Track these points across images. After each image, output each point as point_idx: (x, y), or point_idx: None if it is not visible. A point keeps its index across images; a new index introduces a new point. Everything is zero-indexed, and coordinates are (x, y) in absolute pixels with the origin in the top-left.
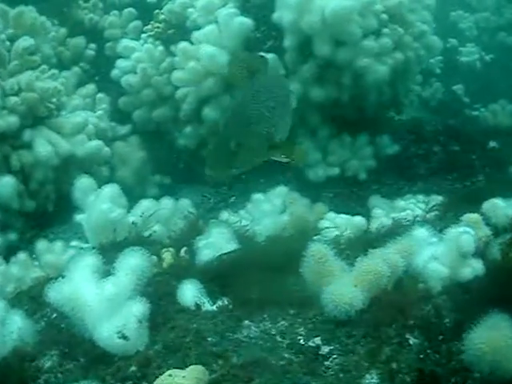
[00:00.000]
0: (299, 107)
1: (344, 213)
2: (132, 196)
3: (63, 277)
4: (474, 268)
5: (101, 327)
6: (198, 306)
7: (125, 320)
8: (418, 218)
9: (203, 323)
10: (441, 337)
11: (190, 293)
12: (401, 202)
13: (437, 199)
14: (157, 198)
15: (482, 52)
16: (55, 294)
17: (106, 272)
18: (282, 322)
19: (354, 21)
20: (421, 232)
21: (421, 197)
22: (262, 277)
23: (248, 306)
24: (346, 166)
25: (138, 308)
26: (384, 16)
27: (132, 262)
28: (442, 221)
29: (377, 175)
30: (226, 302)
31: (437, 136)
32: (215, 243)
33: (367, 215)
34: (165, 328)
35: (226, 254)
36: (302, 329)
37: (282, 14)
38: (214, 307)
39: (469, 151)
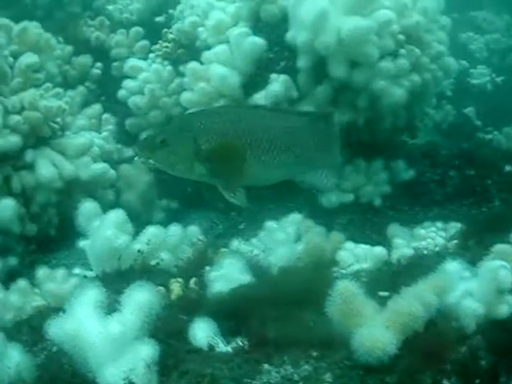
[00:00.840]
0: None
1: (359, 241)
2: (138, 221)
3: (64, 311)
4: (510, 305)
5: (105, 370)
6: (211, 347)
7: (132, 364)
8: (438, 248)
9: (218, 367)
10: (478, 381)
11: (202, 332)
12: (421, 231)
13: (456, 226)
14: (163, 222)
15: (492, 74)
16: (56, 329)
17: (111, 305)
18: (305, 367)
19: (371, 41)
20: (453, 266)
21: (440, 224)
22: (279, 312)
23: (265, 347)
24: (361, 192)
25: (147, 351)
26: (401, 36)
27: (139, 298)
28: (464, 250)
29: (391, 201)
30: (242, 343)
31: (452, 160)
32: (227, 275)
33: (384, 244)
34: (176, 372)
35: (239, 287)
36: (328, 375)
37: (296, 34)
38: (229, 348)
39: (484, 176)
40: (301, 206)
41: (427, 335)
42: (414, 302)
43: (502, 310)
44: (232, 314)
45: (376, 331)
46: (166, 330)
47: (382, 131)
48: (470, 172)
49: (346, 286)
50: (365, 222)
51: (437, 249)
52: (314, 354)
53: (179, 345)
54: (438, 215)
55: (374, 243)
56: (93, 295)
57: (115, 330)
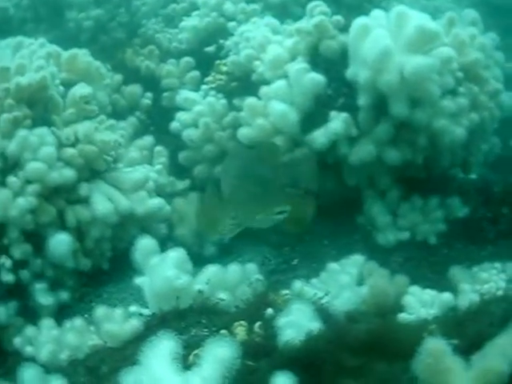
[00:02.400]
0: (369, 168)
1: (416, 279)
2: (189, 254)
3: (139, 362)
4: None
5: None
6: None
7: None
8: (501, 291)
9: None
10: None
11: None
12: (483, 274)
13: None
14: (215, 257)
15: None
16: (132, 382)
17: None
18: None
19: (432, 80)
20: None
21: (498, 265)
22: (353, 363)
23: None
24: (417, 230)
25: None
26: (460, 74)
27: (219, 353)
28: None
29: (446, 239)
30: None
31: (505, 197)
32: (297, 322)
33: (442, 283)
34: None
35: (311, 335)
36: None
37: (357, 71)
38: None
39: None
40: (356, 243)
41: None
42: (499, 358)
43: None
44: (306, 364)
45: None
46: (243, 382)
47: (438, 168)
48: None
49: (435, 344)
50: (420, 260)
51: (499, 292)
52: None
53: None
54: (491, 253)
55: (431, 282)
56: (169, 346)
57: None
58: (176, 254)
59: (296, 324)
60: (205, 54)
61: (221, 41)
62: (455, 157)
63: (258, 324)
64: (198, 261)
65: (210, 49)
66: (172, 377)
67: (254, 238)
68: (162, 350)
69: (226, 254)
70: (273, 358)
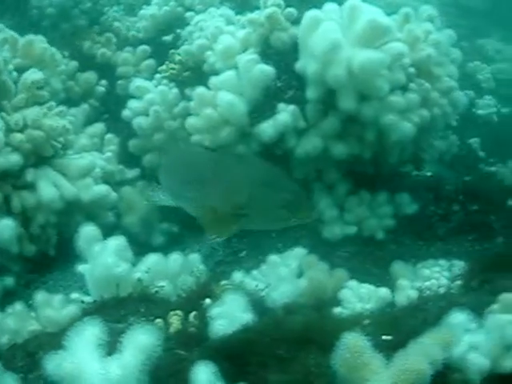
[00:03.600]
0: (317, 162)
1: (360, 274)
2: (137, 244)
3: (64, 347)
4: None
5: None
6: None
7: None
8: (442, 289)
9: None
10: None
11: (204, 376)
12: (425, 271)
13: (459, 265)
14: (163, 246)
15: (499, 105)
16: (55, 366)
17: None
18: None
19: (381, 75)
20: (459, 318)
21: (443, 262)
22: (282, 355)
23: None
24: (364, 225)
25: None
26: (411, 70)
27: (141, 341)
28: (468, 291)
29: (394, 235)
30: None
31: (456, 194)
32: (229, 313)
33: (386, 280)
34: None
35: (241, 327)
36: None
37: (306, 64)
38: None
39: (488, 211)
40: (303, 237)
41: None
42: (421, 358)
43: (507, 365)
44: (234, 355)
45: None
46: (167, 369)
47: (387, 164)
48: (473, 207)
49: (354, 340)
50: (366, 255)
51: (441, 290)
52: None
53: None
54: (440, 251)
55: (374, 278)
56: (94, 332)
57: (115, 373)
58: (116, 242)
59: (229, 315)
60: (162, 43)
61: (178, 30)
62: (405, 153)
63: (193, 314)
64: (146, 250)
65: (168, 38)
66: (92, 363)
67: (203, 228)
68: (87, 336)
69: (174, 243)
70: (202, 348)
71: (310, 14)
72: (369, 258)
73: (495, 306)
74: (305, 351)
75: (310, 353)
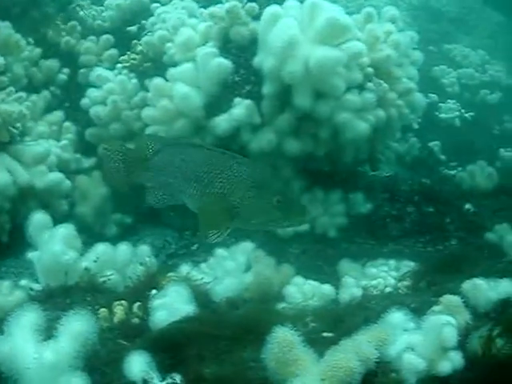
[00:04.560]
0: (270, 157)
1: (311, 272)
2: (90, 233)
3: (2, 331)
4: (453, 361)
5: None
6: (145, 382)
7: None
8: (389, 288)
9: None
10: None
11: (137, 365)
12: (372, 270)
13: (409, 265)
14: (116, 237)
15: (462, 109)
16: None
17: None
18: None
19: (338, 73)
20: (397, 317)
21: (392, 262)
22: (220, 349)
23: None
24: (316, 223)
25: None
26: (370, 69)
27: (76, 328)
28: (415, 292)
29: (347, 233)
30: (177, 379)
31: (412, 196)
32: (171, 304)
33: (335, 278)
34: None
35: (181, 318)
36: None
37: (264, 59)
38: None
39: (443, 213)
40: (256, 232)
41: None
42: (351, 355)
43: (444, 367)
44: (171, 347)
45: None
46: (104, 357)
47: (342, 163)
48: (428, 209)
49: (283, 334)
50: (318, 252)
51: (387, 289)
52: None
53: (114, 374)
54: (392, 251)
55: (325, 275)
56: (32, 318)
57: (49, 358)
58: (65, 230)
59: (170, 306)
60: (127, 34)
61: (143, 21)
62: (360, 152)
63: (137, 305)
64: (99, 240)
65: (133, 28)
66: (27, 347)
67: (157, 220)
68: (25, 322)
69: (128, 235)
70: (141, 339)
71: (270, 10)
72: (320, 255)
73: (437, 307)
74: (242, 345)
75: (247, 347)
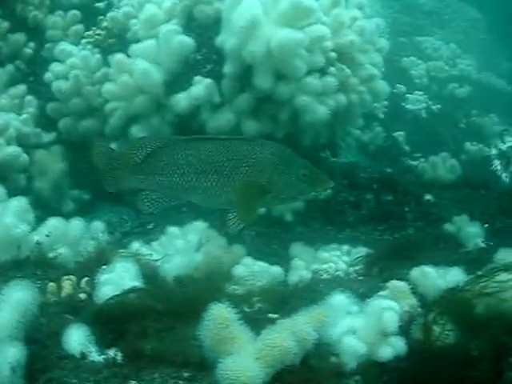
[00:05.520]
0: None
1: (265, 254)
2: (48, 209)
3: None
4: (394, 347)
5: None
6: (83, 355)
7: None
8: (340, 272)
9: (84, 378)
10: None
11: (76, 339)
12: (324, 254)
13: (363, 251)
14: (74, 213)
15: (429, 101)
16: None
17: None
18: None
19: (299, 55)
20: (339, 299)
21: (346, 247)
22: (162, 325)
23: (138, 362)
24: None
25: (14, 353)
26: (333, 54)
27: (16, 297)
28: (365, 277)
29: (303, 218)
30: (116, 354)
31: (371, 183)
32: (117, 279)
33: (287, 260)
34: (42, 379)
35: (125, 294)
36: None
37: (226, 39)
38: (101, 358)
39: (402, 202)
40: (214, 213)
41: (300, 370)
42: (287, 336)
43: (385, 353)
44: (113, 321)
45: (242, 363)
46: (47, 330)
47: (301, 146)
48: (387, 197)
49: (219, 311)
50: (273, 235)
51: (338, 273)
52: (186, 374)
53: (54, 348)
54: (348, 237)
55: (278, 258)
56: None
57: None
58: (17, 203)
59: (116, 282)
60: (95, 9)
61: None
62: (319, 137)
63: (85, 280)
64: (56, 215)
65: (101, 4)
66: None
67: (115, 198)
68: None
69: (85, 211)
70: (84, 313)
71: None
72: (275, 238)
73: (383, 292)
74: (186, 323)
75: (190, 324)
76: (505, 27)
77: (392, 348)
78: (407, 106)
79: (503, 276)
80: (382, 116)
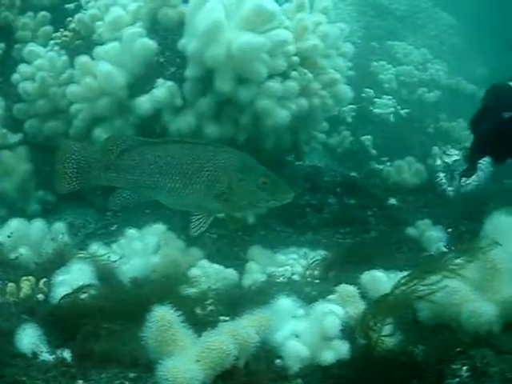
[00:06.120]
0: None
1: (225, 257)
2: (12, 209)
3: None
4: (337, 351)
5: None
6: (35, 355)
7: None
8: (296, 276)
9: (34, 377)
10: None
11: (27, 338)
12: (281, 257)
13: (321, 254)
14: (38, 214)
15: (397, 106)
16: None
17: None
18: None
19: (261, 59)
20: (285, 303)
21: (305, 251)
22: (115, 326)
23: (88, 361)
24: None
25: None
26: (295, 58)
27: None
28: (321, 281)
29: (266, 221)
30: (66, 354)
31: (334, 187)
32: (73, 281)
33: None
34: None
35: (75, 293)
36: None
37: (188, 42)
38: (51, 358)
39: (365, 206)
40: (176, 215)
41: (241, 373)
42: (227, 339)
43: (327, 356)
44: (65, 322)
45: (182, 364)
46: (1, 330)
47: (265, 150)
48: (350, 201)
49: (161, 314)
50: (235, 238)
51: (294, 276)
52: (132, 375)
53: (7, 346)
54: (310, 240)
55: (238, 261)
56: None
57: None
58: None
59: (72, 282)
60: (65, 11)
61: None
62: (282, 140)
63: (43, 280)
64: (21, 216)
65: (70, 6)
66: None
67: (80, 200)
68: None
69: (50, 212)
70: (39, 313)
71: None
72: (237, 241)
73: (332, 296)
74: (136, 324)
75: (141, 326)
76: (479, 32)
77: (334, 352)
78: (375, 111)
79: (431, 279)
80: (349, 120)
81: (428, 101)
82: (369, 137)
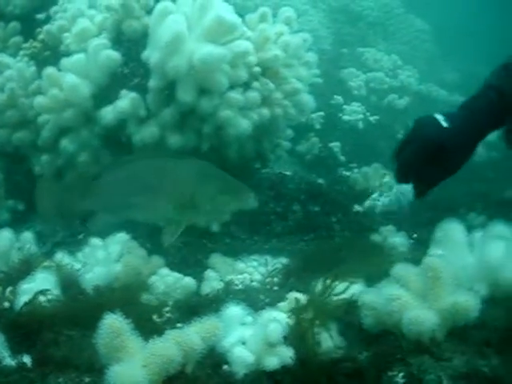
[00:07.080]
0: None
1: (187, 265)
2: None
3: None
4: (281, 357)
5: None
6: None
7: None
8: (255, 283)
9: None
10: None
11: None
12: (241, 265)
13: (283, 261)
14: (8, 223)
15: (367, 112)
16: None
17: None
18: None
19: (222, 70)
20: (234, 311)
21: (266, 258)
22: (75, 333)
23: (47, 366)
24: None
25: None
26: (257, 69)
27: None
28: (279, 288)
29: (230, 228)
30: (27, 359)
31: (298, 194)
32: (37, 289)
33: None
34: None
35: (34, 300)
36: None
37: (151, 53)
38: (13, 363)
39: (330, 213)
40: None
41: (189, 377)
42: (171, 345)
43: (271, 362)
44: (28, 329)
45: (128, 370)
46: None
47: (229, 158)
48: (314, 208)
49: (111, 321)
50: (199, 246)
51: (253, 284)
52: (87, 379)
53: None
54: (274, 248)
55: (201, 268)
56: None
57: None
58: None
59: (34, 291)
60: (35, 21)
61: (52, 9)
62: (245, 149)
63: (9, 289)
64: None
65: (41, 16)
66: None
67: None
68: None
69: (19, 222)
70: (3, 320)
71: (161, 5)
72: (201, 249)
73: (283, 304)
74: (96, 331)
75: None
76: (452, 38)
77: (278, 358)
78: (344, 117)
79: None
80: (318, 127)
81: (398, 107)
82: (337, 143)
